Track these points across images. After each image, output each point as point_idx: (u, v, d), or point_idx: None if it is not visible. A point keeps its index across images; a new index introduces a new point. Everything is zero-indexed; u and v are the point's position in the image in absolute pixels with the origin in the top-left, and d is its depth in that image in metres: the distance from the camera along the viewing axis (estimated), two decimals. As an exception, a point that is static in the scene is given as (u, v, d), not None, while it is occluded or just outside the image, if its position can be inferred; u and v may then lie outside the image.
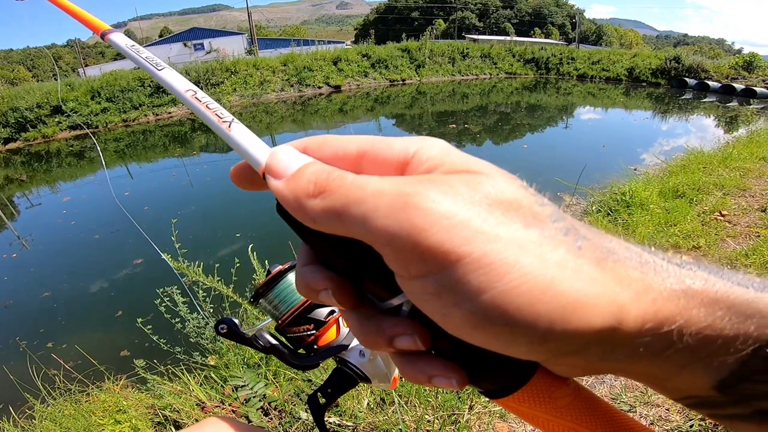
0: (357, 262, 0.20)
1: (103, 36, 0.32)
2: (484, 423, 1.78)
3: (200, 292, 2.06)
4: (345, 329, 0.34)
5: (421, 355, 0.21)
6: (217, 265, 2.02)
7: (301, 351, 0.32)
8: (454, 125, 11.20)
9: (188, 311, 2.12)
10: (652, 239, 3.26)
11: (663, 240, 3.25)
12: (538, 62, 20.47)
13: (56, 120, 12.83)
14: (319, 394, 0.33)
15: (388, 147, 0.20)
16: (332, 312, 0.35)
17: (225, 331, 0.35)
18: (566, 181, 4.25)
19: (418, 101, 15.74)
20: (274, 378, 2.04)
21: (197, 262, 1.89)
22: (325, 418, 1.70)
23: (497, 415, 1.81)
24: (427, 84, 18.40)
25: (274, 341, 0.33)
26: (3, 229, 6.94)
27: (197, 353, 2.22)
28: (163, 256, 1.77)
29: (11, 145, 12.29)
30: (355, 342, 0.34)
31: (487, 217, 0.16)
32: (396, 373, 0.31)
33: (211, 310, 2.16)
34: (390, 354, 0.22)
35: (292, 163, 0.21)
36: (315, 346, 0.32)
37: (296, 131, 12.26)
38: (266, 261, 1.99)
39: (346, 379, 0.32)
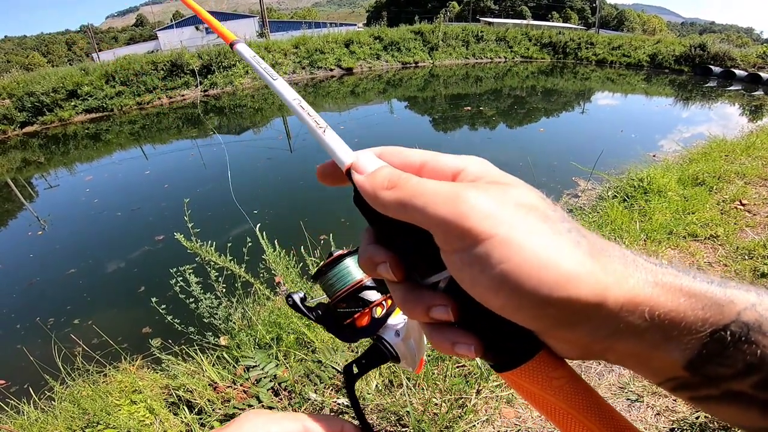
0: (411, 243, 0.26)
1: (231, 45, 0.41)
2: (491, 407, 1.79)
3: (212, 271, 2.08)
4: (376, 316, 0.38)
5: (449, 326, 0.26)
6: (229, 245, 2.02)
7: (346, 323, 0.37)
8: (468, 108, 11.01)
9: (201, 291, 2.14)
10: (669, 227, 3.19)
11: (680, 228, 3.17)
12: (556, 46, 19.86)
13: (72, 104, 13.05)
14: (354, 365, 0.37)
15: (444, 161, 0.27)
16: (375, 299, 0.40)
17: (291, 302, 0.40)
18: (582, 165, 4.16)
19: (430, 84, 15.48)
20: (285, 359, 2.07)
21: (209, 242, 1.90)
22: (335, 399, 1.73)
23: (504, 400, 1.82)
24: (440, 67, 18.05)
25: (324, 314, 0.39)
26: (24, 209, 7.13)
27: (210, 333, 2.26)
28: (176, 236, 1.79)
29: (28, 129, 12.52)
30: (392, 321, 0.38)
31: (512, 212, 0.22)
32: (423, 356, 0.35)
33: (224, 290, 2.19)
34: (423, 325, 0.28)
35: (372, 164, 0.27)
36: (355, 324, 0.37)
37: (308, 113, 12.16)
38: (276, 241, 2.00)
39: (379, 354, 0.36)
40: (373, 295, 0.38)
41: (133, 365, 2.31)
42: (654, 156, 5.59)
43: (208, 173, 7.49)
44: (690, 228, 3.18)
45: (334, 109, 12.48)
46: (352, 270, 0.39)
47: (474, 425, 1.72)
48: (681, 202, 3.58)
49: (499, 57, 19.51)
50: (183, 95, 14.62)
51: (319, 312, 0.39)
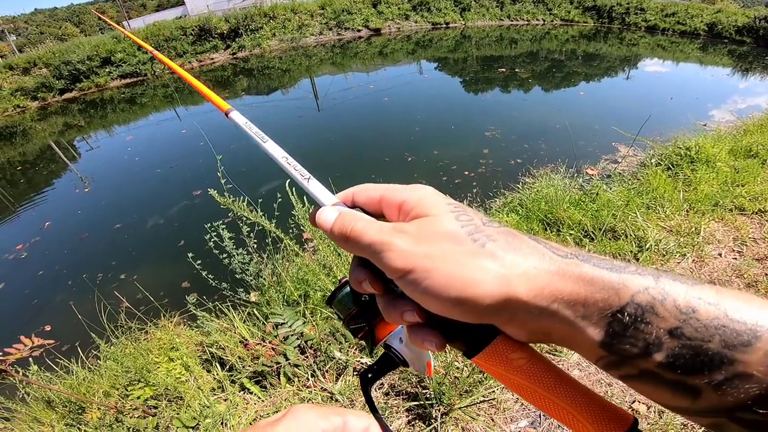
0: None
1: (226, 114, 0.47)
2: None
3: (244, 227, 2.12)
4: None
5: (420, 326, 0.31)
6: (260, 200, 2.04)
7: (359, 337, 0.42)
8: (503, 69, 10.48)
9: (234, 246, 2.19)
10: (715, 198, 2.99)
11: (727, 200, 2.97)
12: (600, 10, 18.15)
13: (107, 70, 13.56)
14: (369, 372, 0.41)
15: (394, 195, 0.33)
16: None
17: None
18: (625, 131, 3.92)
19: (462, 45, 14.74)
20: (311, 316, 2.13)
21: (241, 197, 1.93)
22: (359, 359, 1.77)
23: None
24: (472, 28, 17.08)
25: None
26: (68, 170, 7.52)
27: (241, 289, 2.34)
28: (210, 192, 1.82)
29: (67, 95, 13.15)
30: (397, 330, 0.42)
31: (427, 244, 0.28)
32: (430, 359, 0.38)
33: (255, 246, 2.24)
34: (404, 328, 0.35)
35: (331, 215, 0.34)
36: (369, 335, 0.42)
37: (335, 74, 12.03)
38: (305, 197, 2.00)
39: (390, 361, 0.40)
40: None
41: (171, 322, 2.43)
42: (704, 125, 5.19)
43: (240, 131, 7.67)
44: (738, 201, 2.98)
45: (362, 69, 12.21)
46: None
47: (493, 390, 1.74)
48: (730, 174, 3.33)
49: (537, 19, 18.18)
50: (212, 58, 14.78)
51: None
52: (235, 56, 15.00)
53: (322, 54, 14.48)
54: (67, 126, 10.56)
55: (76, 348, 2.39)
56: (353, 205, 0.35)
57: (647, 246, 2.53)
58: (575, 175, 3.72)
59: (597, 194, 3.12)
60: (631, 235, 2.66)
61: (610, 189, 3.24)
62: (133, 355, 2.08)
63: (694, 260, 2.48)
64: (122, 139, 8.87)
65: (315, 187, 0.37)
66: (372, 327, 0.40)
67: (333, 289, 0.43)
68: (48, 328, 3.31)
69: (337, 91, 9.90)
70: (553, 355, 1.89)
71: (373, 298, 0.37)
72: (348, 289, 0.41)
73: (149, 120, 10.07)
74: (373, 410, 0.39)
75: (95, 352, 2.34)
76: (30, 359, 2.06)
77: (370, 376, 0.41)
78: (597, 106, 7.58)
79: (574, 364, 1.90)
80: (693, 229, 2.72)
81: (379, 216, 0.34)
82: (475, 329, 0.30)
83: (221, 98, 0.50)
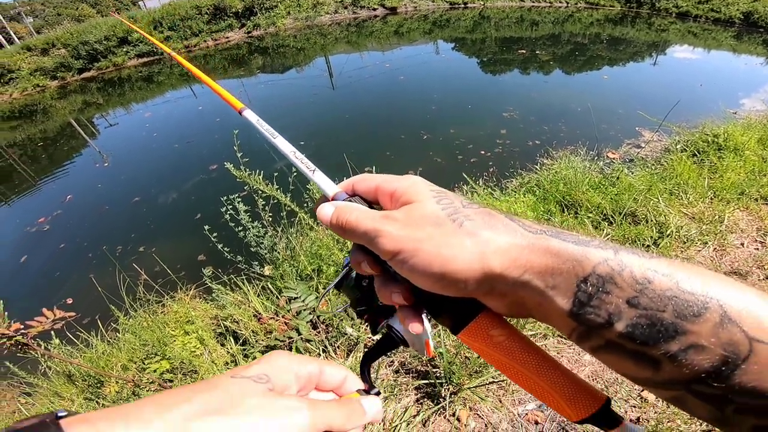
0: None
1: (240, 112, 0.51)
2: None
3: (260, 200, 2.13)
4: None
5: (407, 308, 0.36)
6: (275, 174, 2.04)
7: (365, 319, 0.46)
8: (523, 51, 10.16)
9: (250, 219, 2.20)
10: (741, 187, 2.88)
11: (753, 190, 2.86)
12: None
13: (124, 50, 13.69)
14: (370, 351, 0.44)
15: (389, 185, 0.36)
16: None
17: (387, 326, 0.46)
18: (650, 116, 3.78)
19: (480, 26, 14.29)
20: (324, 290, 2.14)
21: (257, 171, 1.93)
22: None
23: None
24: (491, 9, 16.49)
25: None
26: (88, 146, 7.66)
27: (256, 263, 2.36)
28: (227, 165, 1.83)
29: (86, 75, 13.35)
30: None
31: (412, 228, 0.31)
32: (428, 339, 0.40)
33: (269, 219, 2.25)
34: (397, 308, 0.38)
35: (329, 210, 0.37)
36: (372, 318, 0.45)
37: (350, 52, 11.85)
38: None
39: (390, 340, 0.42)
40: None
41: (188, 295, 2.47)
42: (734, 113, 4.97)
43: (254, 107, 7.71)
44: (764, 191, 2.86)
45: (377, 48, 12.00)
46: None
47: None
48: (758, 163, 3.19)
49: (560, 1, 17.43)
50: (227, 37, 14.68)
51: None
52: (250, 35, 14.86)
53: (337, 32, 14.25)
54: (86, 104, 10.70)
55: (96, 321, 2.43)
56: (353, 194, 0.39)
57: (668, 232, 2.46)
58: (595, 158, 3.62)
59: (618, 178, 3.03)
60: (651, 221, 2.59)
61: (632, 173, 3.15)
62: (150, 327, 2.12)
63: (715, 249, 2.41)
64: (140, 116, 8.97)
65: (319, 178, 0.41)
66: (373, 310, 0.43)
67: (338, 272, 0.45)
68: (69, 300, 3.37)
69: (352, 69, 9.76)
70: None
71: (372, 285, 0.41)
72: (354, 275, 0.45)
73: (166, 97, 10.14)
74: (367, 381, 0.41)
75: (114, 325, 2.38)
76: (52, 332, 2.06)
77: (370, 354, 0.43)
78: (621, 90, 7.29)
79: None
80: (716, 217, 2.63)
81: (376, 203, 0.38)
82: (461, 305, 0.33)
83: (234, 97, 0.54)
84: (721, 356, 0.23)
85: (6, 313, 1.83)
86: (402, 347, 0.42)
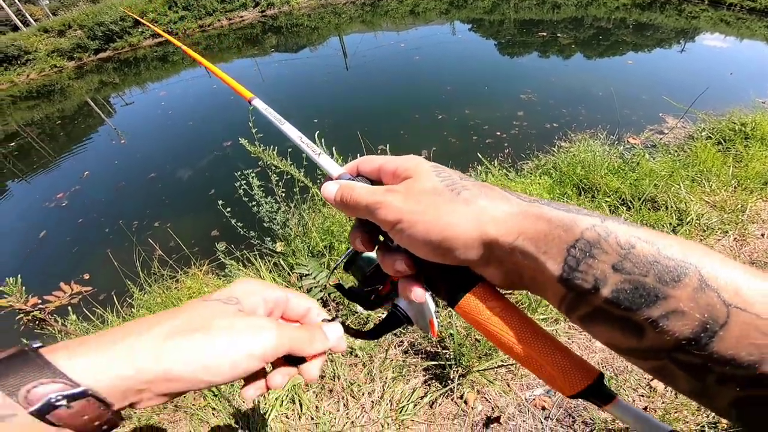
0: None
1: (250, 102, 0.56)
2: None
3: (273, 176, 2.13)
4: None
5: (409, 278, 0.37)
6: (289, 150, 2.03)
7: (372, 298, 0.47)
8: (543, 33, 9.84)
9: (263, 194, 2.20)
10: (766, 177, 2.77)
11: (779, 180, 2.75)
12: None
13: (139, 30, 13.79)
14: (374, 329, 0.45)
15: (389, 164, 0.37)
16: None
17: (336, 284, 0.50)
18: (676, 102, 3.65)
19: (499, 7, 13.83)
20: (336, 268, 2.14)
21: (271, 146, 1.92)
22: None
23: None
24: (512, -11, 15.98)
25: (354, 291, 0.49)
26: (104, 124, 7.75)
27: (268, 239, 2.37)
28: (241, 140, 1.82)
29: (102, 55, 13.57)
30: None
31: (413, 200, 0.33)
32: (432, 318, 0.40)
33: (282, 194, 2.25)
34: (398, 279, 0.39)
35: (334, 188, 0.39)
36: (379, 294, 0.47)
37: (365, 32, 11.68)
38: (333, 148, 1.97)
39: (396, 318, 0.43)
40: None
41: (201, 270, 2.50)
42: (764, 102, 4.76)
43: (267, 85, 7.87)
44: (789, 180, 2.74)
45: (392, 28, 11.78)
46: (371, 256, 0.48)
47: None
48: (786, 153, 3.06)
49: (586, -18, 16.73)
50: (242, 16, 14.62)
51: (344, 289, 0.49)
52: (264, 14, 14.74)
53: (351, 12, 14.00)
54: (103, 83, 10.80)
55: (112, 297, 2.45)
56: (358, 174, 0.40)
57: (688, 219, 2.40)
58: (615, 142, 3.51)
59: (638, 163, 2.95)
60: (672, 207, 2.52)
61: (654, 159, 3.06)
62: (165, 303, 2.14)
63: (735, 238, 2.34)
64: (156, 94, 9.04)
65: (325, 161, 0.43)
66: (378, 291, 0.45)
67: (344, 255, 0.49)
68: (87, 276, 3.42)
69: (367, 49, 9.59)
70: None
71: (377, 268, 0.44)
72: (366, 256, 0.47)
73: (181, 77, 10.18)
74: (347, 327, 0.44)
75: (129, 301, 2.40)
76: (69, 308, 2.12)
77: (374, 331, 0.45)
78: (646, 76, 7.02)
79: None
80: (739, 206, 2.54)
81: (379, 183, 0.39)
82: (459, 276, 0.34)
83: (244, 86, 0.58)
84: (700, 322, 0.23)
85: (24, 287, 1.88)
86: (408, 326, 0.44)
